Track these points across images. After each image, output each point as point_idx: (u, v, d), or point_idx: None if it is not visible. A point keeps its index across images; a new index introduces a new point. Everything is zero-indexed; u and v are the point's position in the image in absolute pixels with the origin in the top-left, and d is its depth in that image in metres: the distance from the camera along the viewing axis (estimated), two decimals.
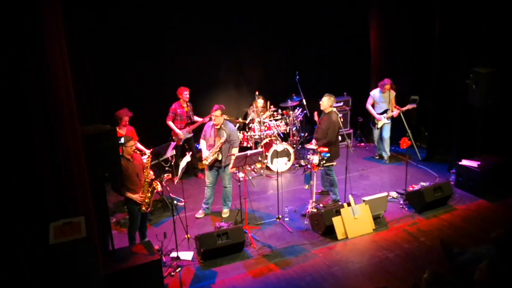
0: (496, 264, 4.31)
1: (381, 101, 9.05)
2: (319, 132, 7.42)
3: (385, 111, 9.07)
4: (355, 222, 6.77)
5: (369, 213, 6.90)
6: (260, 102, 9.29)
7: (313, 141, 7.44)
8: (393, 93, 8.98)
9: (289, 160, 9.13)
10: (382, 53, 9.90)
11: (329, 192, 7.77)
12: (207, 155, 7.14)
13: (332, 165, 7.23)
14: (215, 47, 9.38)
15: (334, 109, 7.38)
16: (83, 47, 7.09)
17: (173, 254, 6.25)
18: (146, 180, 6.21)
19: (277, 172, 7.78)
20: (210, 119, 7.45)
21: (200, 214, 7.50)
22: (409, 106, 8.90)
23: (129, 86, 8.67)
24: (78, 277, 4.07)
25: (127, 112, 7.34)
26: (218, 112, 7.05)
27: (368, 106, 9.24)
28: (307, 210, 7.18)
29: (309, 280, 5.82)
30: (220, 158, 7.16)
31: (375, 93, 9.13)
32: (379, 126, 9.19)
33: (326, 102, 7.35)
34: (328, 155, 7.05)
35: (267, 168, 9.16)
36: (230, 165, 7.09)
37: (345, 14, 10.24)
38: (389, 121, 9.13)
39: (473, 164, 7.88)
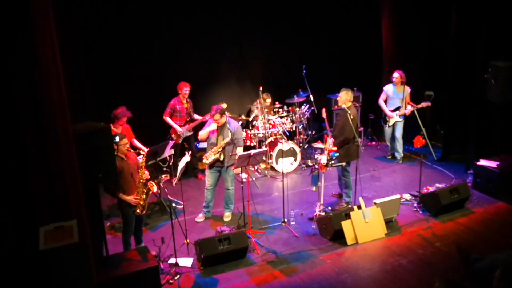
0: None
1: (394, 97, 9.01)
2: (336, 129, 7.41)
3: (398, 109, 9.03)
4: (365, 226, 6.75)
5: (380, 217, 6.88)
6: (268, 101, 9.35)
7: (330, 139, 7.40)
8: (408, 89, 8.93)
9: (295, 160, 9.11)
10: (395, 46, 9.87)
11: (343, 194, 7.74)
12: (207, 154, 7.14)
13: (341, 165, 7.21)
14: (216, 40, 9.36)
15: (345, 108, 7.31)
16: (76, 40, 7.09)
17: (172, 261, 6.23)
18: (141, 180, 6.20)
19: (283, 172, 7.73)
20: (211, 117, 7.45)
21: (200, 217, 7.50)
22: (423, 104, 8.81)
23: (126, 82, 8.66)
24: (70, 285, 4.07)
25: (126, 112, 7.31)
26: (217, 116, 7.05)
27: (381, 101, 9.21)
28: (315, 214, 7.17)
29: None
30: (222, 158, 7.16)
31: (388, 88, 9.10)
32: (390, 124, 9.15)
33: (342, 97, 7.31)
34: (337, 154, 7.03)
35: (272, 168, 9.16)
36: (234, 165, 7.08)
37: (355, 4, 10.20)
38: (402, 119, 9.08)
39: (492, 164, 7.84)
